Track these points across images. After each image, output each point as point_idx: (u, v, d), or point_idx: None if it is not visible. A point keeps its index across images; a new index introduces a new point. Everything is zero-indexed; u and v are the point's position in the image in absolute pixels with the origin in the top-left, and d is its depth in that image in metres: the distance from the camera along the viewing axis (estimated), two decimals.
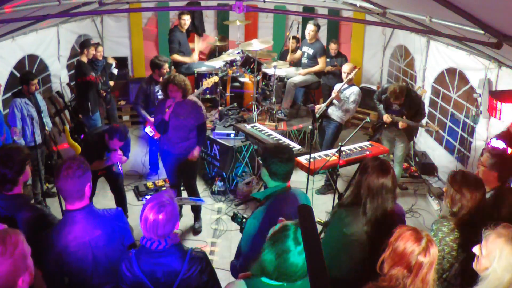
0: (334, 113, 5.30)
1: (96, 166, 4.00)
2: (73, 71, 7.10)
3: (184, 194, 4.96)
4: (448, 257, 2.38)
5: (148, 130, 5.32)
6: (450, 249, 2.38)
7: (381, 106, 5.17)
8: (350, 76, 5.13)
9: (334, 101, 5.26)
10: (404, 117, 4.92)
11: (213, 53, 7.63)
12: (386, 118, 5.01)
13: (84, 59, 5.66)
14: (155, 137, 5.34)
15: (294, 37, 7.28)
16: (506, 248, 1.82)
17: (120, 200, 4.45)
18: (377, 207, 2.37)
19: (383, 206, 2.38)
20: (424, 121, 4.99)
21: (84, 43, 5.72)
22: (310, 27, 6.20)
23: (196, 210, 4.74)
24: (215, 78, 5.80)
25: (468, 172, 2.52)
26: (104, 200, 4.61)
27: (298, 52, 6.62)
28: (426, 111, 6.35)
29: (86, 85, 5.60)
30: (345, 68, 5.22)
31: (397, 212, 2.54)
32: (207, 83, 5.69)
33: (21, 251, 1.71)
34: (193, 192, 4.62)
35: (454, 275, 2.36)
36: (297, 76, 6.29)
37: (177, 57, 6.35)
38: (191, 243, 4.53)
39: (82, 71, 5.57)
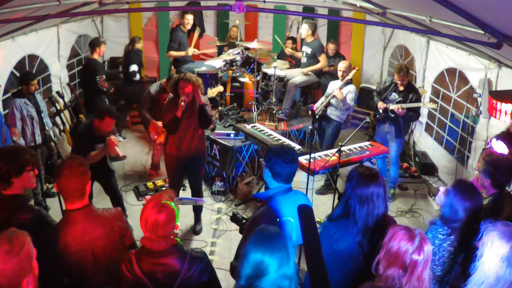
0: (333, 113, 5.31)
1: (92, 158, 3.88)
2: (73, 71, 7.14)
3: (183, 194, 4.96)
4: (448, 260, 2.38)
5: (152, 135, 5.34)
6: (448, 253, 2.38)
7: (378, 98, 5.16)
8: (348, 77, 5.13)
9: (332, 101, 5.26)
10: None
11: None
12: (381, 104, 5.02)
13: (96, 57, 5.76)
14: (158, 141, 5.36)
15: (290, 38, 7.28)
16: (497, 241, 1.83)
17: (116, 200, 4.42)
18: (368, 214, 2.28)
19: (373, 213, 2.28)
20: (421, 102, 4.96)
21: (94, 42, 5.81)
22: (304, 27, 6.22)
23: (197, 210, 4.74)
24: (220, 88, 5.83)
25: (465, 180, 2.52)
26: (104, 200, 4.60)
27: (299, 53, 6.63)
28: (426, 111, 6.37)
29: (94, 84, 5.69)
30: (341, 66, 5.22)
31: (389, 220, 2.42)
32: (212, 92, 5.71)
33: (27, 252, 1.71)
34: (198, 193, 4.62)
35: (455, 276, 2.36)
36: (298, 76, 6.29)
37: (172, 53, 6.41)
38: (191, 243, 4.53)
39: (95, 69, 5.66)
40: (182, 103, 4.00)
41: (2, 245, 1.66)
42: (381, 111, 5.04)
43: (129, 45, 6.64)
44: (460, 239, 2.33)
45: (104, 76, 5.75)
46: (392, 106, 4.92)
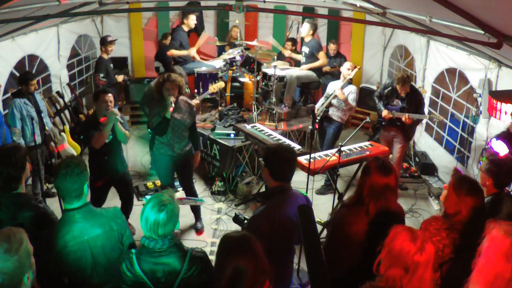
0: (335, 113, 5.30)
1: (98, 138, 3.80)
2: (73, 71, 7.17)
3: (182, 194, 4.95)
4: (435, 257, 2.37)
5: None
6: (436, 249, 2.38)
7: (380, 103, 5.15)
8: (350, 76, 5.13)
9: (333, 102, 5.26)
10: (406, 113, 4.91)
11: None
12: (386, 113, 5.00)
13: (104, 55, 5.83)
14: None
15: (290, 39, 7.27)
16: (498, 238, 1.83)
17: (127, 207, 4.38)
18: (381, 208, 2.39)
19: (386, 207, 2.39)
20: (426, 113, 4.97)
21: (101, 41, 5.89)
22: (306, 26, 6.21)
23: (196, 210, 4.74)
24: (222, 84, 5.83)
25: (472, 179, 2.51)
26: (106, 200, 4.60)
27: (299, 56, 6.62)
28: (426, 111, 6.37)
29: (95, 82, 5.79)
30: (347, 65, 5.22)
31: (398, 211, 2.55)
32: (213, 88, 5.71)
33: (26, 249, 1.74)
34: (192, 192, 4.62)
35: (440, 275, 2.36)
36: (297, 70, 6.30)
37: (174, 51, 6.42)
38: (191, 243, 4.52)
39: (96, 67, 5.78)
40: (172, 105, 3.99)
41: (1, 244, 1.68)
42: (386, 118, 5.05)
43: (160, 41, 7.11)
44: (462, 239, 2.32)
45: (101, 75, 5.75)
46: (396, 114, 4.91)
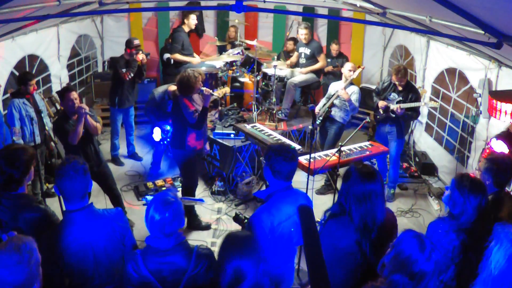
0: (337, 114, 5.31)
1: (74, 135, 3.86)
2: (73, 71, 7.17)
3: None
4: (445, 259, 2.37)
5: (156, 134, 5.50)
6: (446, 251, 2.37)
7: (377, 98, 5.17)
8: (353, 76, 5.14)
9: (335, 102, 5.26)
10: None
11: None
12: (381, 103, 5.03)
13: (125, 56, 5.82)
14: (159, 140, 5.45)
15: (291, 39, 7.27)
16: (506, 241, 1.83)
17: (115, 199, 4.43)
18: (366, 213, 2.26)
19: (372, 212, 2.26)
20: (422, 101, 4.96)
21: (126, 43, 5.84)
22: (302, 31, 6.19)
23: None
24: (227, 89, 5.85)
25: (475, 177, 2.48)
26: (104, 200, 4.59)
27: (294, 56, 6.60)
28: (426, 111, 6.37)
29: (117, 79, 5.76)
30: (348, 66, 5.23)
31: (389, 216, 2.42)
32: (218, 93, 5.73)
33: (36, 259, 1.72)
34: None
35: (450, 277, 2.36)
36: (298, 76, 6.29)
37: (178, 56, 6.37)
38: (191, 243, 4.51)
39: (120, 64, 5.77)
40: (218, 91, 4.32)
41: (12, 256, 1.65)
42: (381, 111, 5.05)
43: (166, 39, 7.17)
44: (470, 239, 2.32)
45: (124, 70, 5.70)
46: (392, 106, 4.93)
